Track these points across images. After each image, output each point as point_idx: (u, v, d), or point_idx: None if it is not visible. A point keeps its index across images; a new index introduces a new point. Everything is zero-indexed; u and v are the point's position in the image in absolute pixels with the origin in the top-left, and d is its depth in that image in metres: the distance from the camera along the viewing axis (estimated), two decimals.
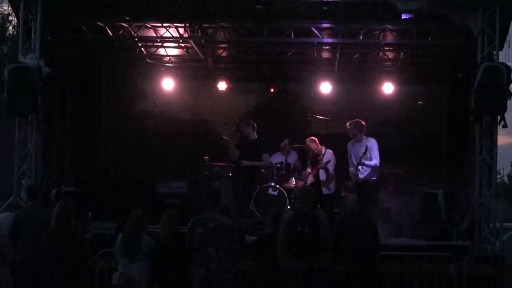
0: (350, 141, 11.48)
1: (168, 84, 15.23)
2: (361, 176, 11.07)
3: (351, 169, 11.21)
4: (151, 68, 15.25)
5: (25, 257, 8.09)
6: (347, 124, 11.48)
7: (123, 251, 7.95)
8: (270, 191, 12.10)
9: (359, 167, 11.04)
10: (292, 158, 12.80)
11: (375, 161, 11.15)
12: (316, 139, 12.52)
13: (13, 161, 10.66)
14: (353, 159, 11.21)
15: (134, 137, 15.50)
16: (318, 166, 12.12)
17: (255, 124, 12.51)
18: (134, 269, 7.89)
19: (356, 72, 15.07)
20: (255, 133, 12.42)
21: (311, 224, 7.72)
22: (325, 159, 12.14)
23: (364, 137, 11.30)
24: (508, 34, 10.66)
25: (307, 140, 12.56)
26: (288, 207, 11.54)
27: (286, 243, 7.77)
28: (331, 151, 12.36)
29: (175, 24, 12.50)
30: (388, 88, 14.89)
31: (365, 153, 10.99)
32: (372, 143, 11.25)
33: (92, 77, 14.89)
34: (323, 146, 12.44)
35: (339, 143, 12.42)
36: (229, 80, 15.45)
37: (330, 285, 8.45)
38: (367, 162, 11.06)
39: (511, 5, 10.49)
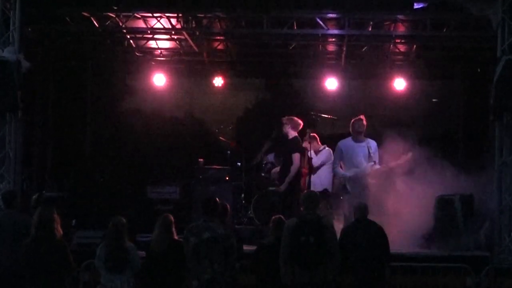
0: (347, 140, 11.38)
1: (159, 79, 15.22)
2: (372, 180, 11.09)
3: (354, 169, 11.16)
4: (141, 62, 15.24)
5: (1, 269, 8.05)
6: (357, 120, 11.33)
7: (106, 265, 7.90)
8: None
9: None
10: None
11: (377, 165, 11.18)
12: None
13: None
14: (354, 160, 11.15)
15: (122, 138, 15.48)
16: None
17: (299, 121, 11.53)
18: (117, 282, 7.84)
19: (365, 67, 15.06)
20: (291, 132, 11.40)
21: (316, 233, 7.69)
22: (318, 160, 12.10)
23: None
24: None
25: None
26: None
27: (288, 253, 7.74)
28: (329, 149, 12.29)
29: (167, 14, 12.47)
30: (399, 84, 14.90)
31: (369, 155, 11.02)
32: (375, 146, 11.25)
33: (76, 72, 14.87)
34: (324, 145, 12.45)
35: None
36: (226, 75, 15.45)
37: None
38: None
39: None
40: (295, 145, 11.22)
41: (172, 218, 8.18)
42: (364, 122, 11.23)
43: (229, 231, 7.91)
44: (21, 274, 7.69)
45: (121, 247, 7.87)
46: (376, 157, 11.16)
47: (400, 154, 11.23)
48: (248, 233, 10.96)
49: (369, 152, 11.05)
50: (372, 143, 11.23)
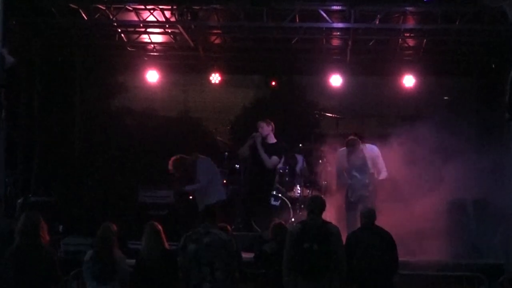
0: (344, 149, 11.41)
1: (152, 76, 15.22)
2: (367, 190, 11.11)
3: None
4: (133, 57, 15.23)
5: None
6: (350, 141, 11.32)
7: (93, 273, 7.89)
8: (272, 200, 12.08)
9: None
10: (299, 162, 12.80)
11: (384, 173, 11.18)
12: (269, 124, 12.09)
13: None
14: (351, 170, 11.18)
15: (112, 138, 15.46)
16: None
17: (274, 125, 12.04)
18: None
19: (372, 63, 15.06)
20: (273, 136, 11.99)
21: (321, 240, 7.69)
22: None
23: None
24: None
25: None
26: (293, 219, 11.52)
27: (291, 261, 7.74)
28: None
29: (160, 6, 12.48)
30: (408, 80, 14.89)
31: (367, 165, 11.05)
32: (375, 153, 11.23)
33: (64, 68, 14.85)
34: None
35: None
36: (223, 71, 15.43)
37: None
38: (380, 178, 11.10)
39: None
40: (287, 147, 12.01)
41: (159, 226, 8.18)
42: (358, 141, 11.21)
43: (231, 236, 7.92)
44: (5, 284, 7.68)
45: (110, 256, 7.87)
46: (378, 163, 11.17)
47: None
48: (247, 240, 10.93)
49: (366, 162, 11.08)
50: (371, 151, 11.23)
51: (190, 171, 11.31)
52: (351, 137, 11.36)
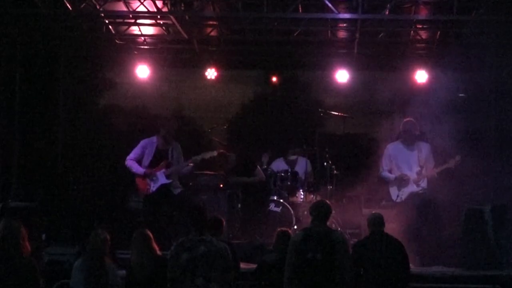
0: (396, 143, 11.49)
1: (142, 71, 15.22)
2: (418, 188, 11.23)
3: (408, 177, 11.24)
4: (122, 51, 15.23)
5: None
6: (408, 121, 11.49)
7: (85, 286, 7.89)
8: (272, 206, 12.09)
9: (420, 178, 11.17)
10: (302, 166, 12.79)
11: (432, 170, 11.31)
12: None
13: None
14: (401, 166, 11.24)
15: (99, 139, 15.45)
16: None
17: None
18: None
19: (381, 57, 15.06)
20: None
21: (325, 249, 7.69)
22: None
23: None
24: None
25: None
26: (295, 227, 11.51)
27: (293, 272, 7.73)
28: None
29: None
30: (421, 76, 14.89)
31: (419, 161, 11.13)
32: (428, 150, 11.40)
33: (47, 62, 14.83)
34: None
35: (359, 145, 12.33)
36: (219, 66, 15.44)
37: None
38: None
39: None
40: None
41: (149, 232, 8.18)
42: (416, 125, 11.35)
43: (226, 245, 7.91)
44: None
45: (103, 265, 7.89)
46: (429, 162, 11.30)
47: (447, 157, 11.35)
48: (247, 249, 10.93)
49: (418, 158, 11.17)
50: (424, 147, 11.40)
51: None
52: (408, 119, 11.54)
